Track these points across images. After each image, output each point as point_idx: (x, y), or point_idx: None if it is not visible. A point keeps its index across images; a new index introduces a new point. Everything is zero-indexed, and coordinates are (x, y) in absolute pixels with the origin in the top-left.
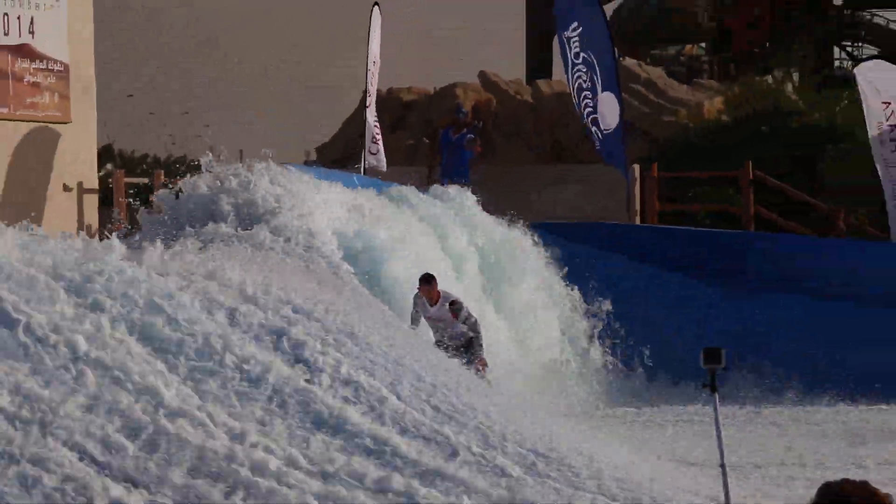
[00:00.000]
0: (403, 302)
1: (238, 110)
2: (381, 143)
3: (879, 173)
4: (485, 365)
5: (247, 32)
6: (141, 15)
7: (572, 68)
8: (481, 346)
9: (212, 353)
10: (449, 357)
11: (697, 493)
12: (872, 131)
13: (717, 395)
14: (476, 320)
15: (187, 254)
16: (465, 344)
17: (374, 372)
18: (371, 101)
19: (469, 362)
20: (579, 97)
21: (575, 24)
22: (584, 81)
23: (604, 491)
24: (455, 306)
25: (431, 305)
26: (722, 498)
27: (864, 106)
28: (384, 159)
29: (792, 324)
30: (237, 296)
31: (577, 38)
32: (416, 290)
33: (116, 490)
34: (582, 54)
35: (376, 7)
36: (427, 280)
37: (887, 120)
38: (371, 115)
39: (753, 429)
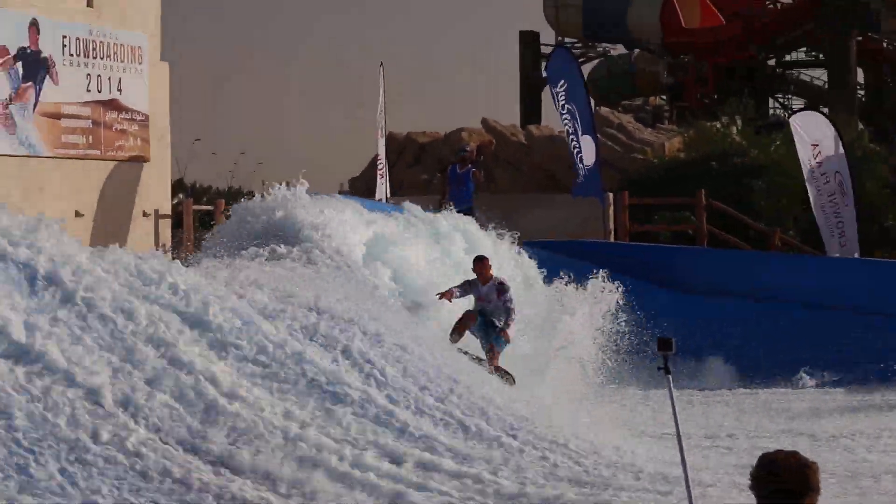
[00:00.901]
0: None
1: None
2: (385, 176)
3: (812, 202)
4: (507, 336)
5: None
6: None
7: (561, 117)
8: (512, 320)
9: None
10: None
11: (658, 459)
12: (805, 168)
13: (670, 377)
14: (514, 304)
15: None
16: (498, 316)
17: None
18: (381, 143)
19: (497, 328)
20: (568, 139)
21: (562, 81)
22: (570, 127)
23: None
24: (503, 287)
25: (483, 284)
26: (679, 461)
27: (798, 148)
28: (384, 190)
29: (740, 323)
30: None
31: (563, 93)
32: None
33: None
34: (567, 105)
35: (381, 66)
36: (479, 259)
37: (815, 158)
38: (381, 154)
39: (709, 408)
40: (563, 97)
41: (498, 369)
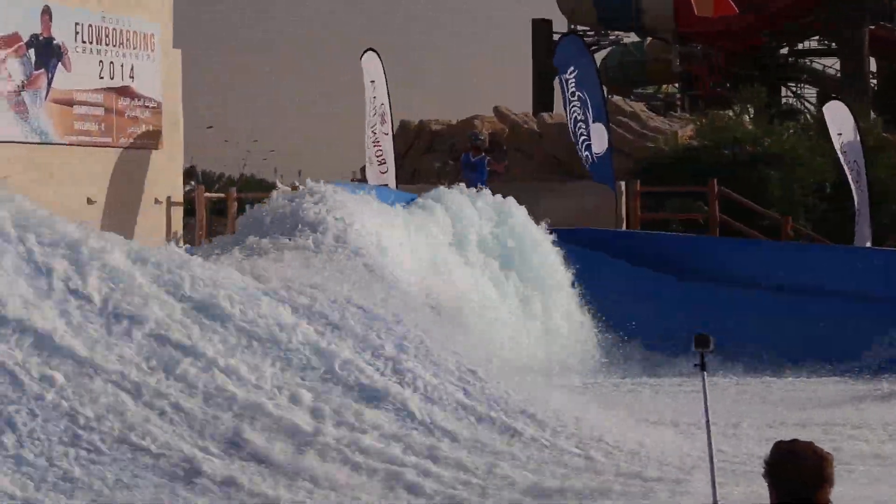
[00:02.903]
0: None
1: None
2: (387, 164)
3: (852, 188)
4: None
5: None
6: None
7: (569, 104)
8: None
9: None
10: None
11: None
12: (840, 156)
13: (704, 374)
14: None
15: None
16: None
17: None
18: (381, 129)
19: None
20: (575, 127)
21: (571, 68)
22: (579, 115)
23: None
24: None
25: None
26: (706, 453)
27: (832, 137)
28: (392, 178)
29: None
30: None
31: (573, 80)
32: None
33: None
34: (577, 93)
35: (371, 52)
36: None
37: (840, 146)
38: (372, 146)
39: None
40: (572, 84)
41: None
